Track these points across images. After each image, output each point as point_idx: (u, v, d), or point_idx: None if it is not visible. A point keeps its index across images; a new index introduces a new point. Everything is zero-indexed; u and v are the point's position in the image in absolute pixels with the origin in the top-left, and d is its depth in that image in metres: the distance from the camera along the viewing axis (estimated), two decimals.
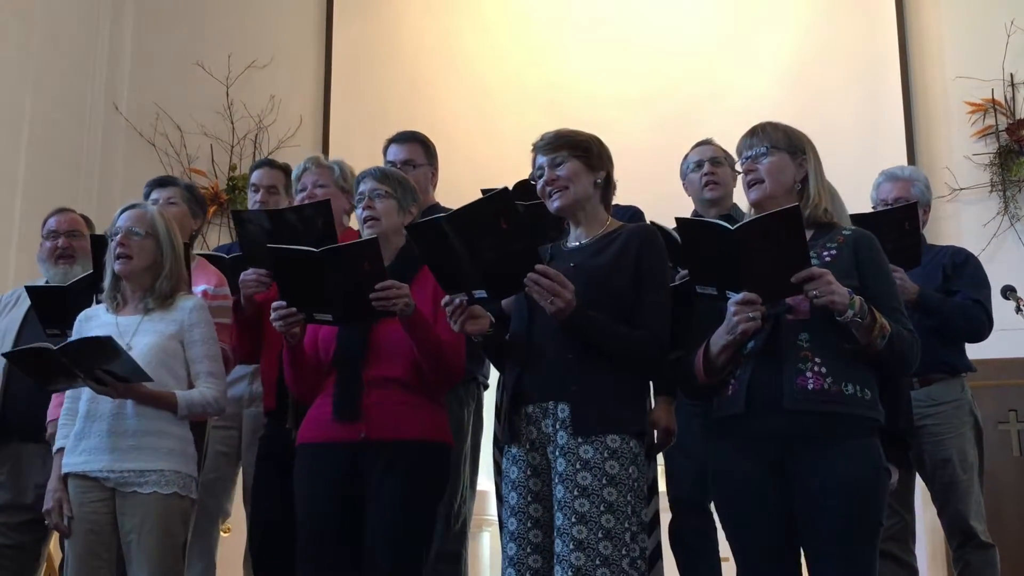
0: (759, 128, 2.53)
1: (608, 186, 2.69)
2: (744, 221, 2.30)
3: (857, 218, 3.00)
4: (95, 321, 2.98)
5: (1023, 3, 5.58)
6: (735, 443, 2.40)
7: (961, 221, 5.46)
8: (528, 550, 2.49)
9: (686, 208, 3.57)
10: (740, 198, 3.41)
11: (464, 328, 2.49)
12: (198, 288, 3.30)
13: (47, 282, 3.55)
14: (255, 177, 3.78)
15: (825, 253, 2.41)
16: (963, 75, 5.55)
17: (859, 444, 2.31)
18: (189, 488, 2.92)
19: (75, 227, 3.59)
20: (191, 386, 2.97)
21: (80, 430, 2.90)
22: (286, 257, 2.62)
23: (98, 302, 3.10)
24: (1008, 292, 3.61)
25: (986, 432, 3.59)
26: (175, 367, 2.96)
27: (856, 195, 3.29)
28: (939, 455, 3.42)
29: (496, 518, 3.38)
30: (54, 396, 3.19)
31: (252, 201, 3.74)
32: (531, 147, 2.68)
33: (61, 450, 2.95)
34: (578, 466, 2.42)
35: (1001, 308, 3.53)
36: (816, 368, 2.31)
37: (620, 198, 2.96)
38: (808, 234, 2.43)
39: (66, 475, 2.91)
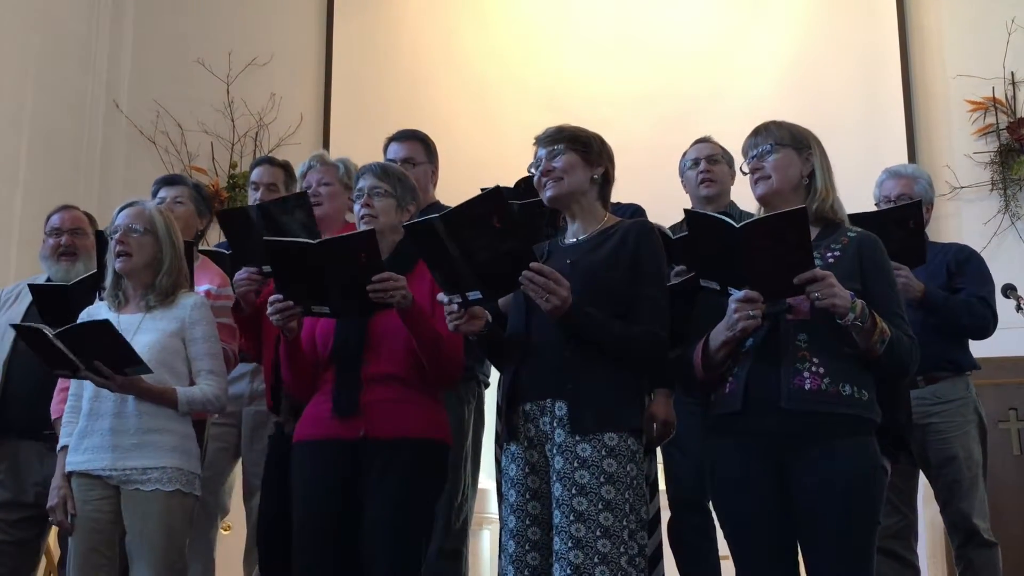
0: (764, 127, 2.54)
1: (607, 183, 2.68)
2: (750, 219, 2.30)
3: (862, 217, 3.01)
4: (97, 318, 2.98)
5: (1023, 1, 5.58)
6: (733, 441, 2.40)
7: (962, 219, 5.46)
8: (527, 547, 2.49)
9: (686, 206, 3.57)
10: (738, 196, 3.43)
11: (460, 329, 2.49)
12: (201, 287, 3.31)
13: (49, 279, 3.55)
14: (255, 175, 3.78)
15: (829, 254, 2.42)
16: (964, 73, 5.56)
17: (856, 443, 2.31)
18: (192, 485, 2.92)
19: (78, 224, 3.60)
20: (192, 384, 2.97)
21: (83, 428, 2.91)
22: (283, 249, 2.62)
23: (100, 299, 3.11)
24: (1008, 291, 3.62)
25: (988, 430, 3.60)
26: (176, 365, 2.96)
27: (857, 193, 3.29)
28: (944, 453, 3.43)
29: (497, 516, 3.39)
30: (56, 393, 3.20)
31: (253, 199, 3.74)
32: (533, 141, 2.69)
33: (65, 448, 2.96)
34: (576, 464, 2.42)
35: (1001, 307, 3.53)
36: (814, 368, 2.32)
37: (620, 196, 2.96)
38: (814, 231, 2.43)
39: (69, 473, 2.92)
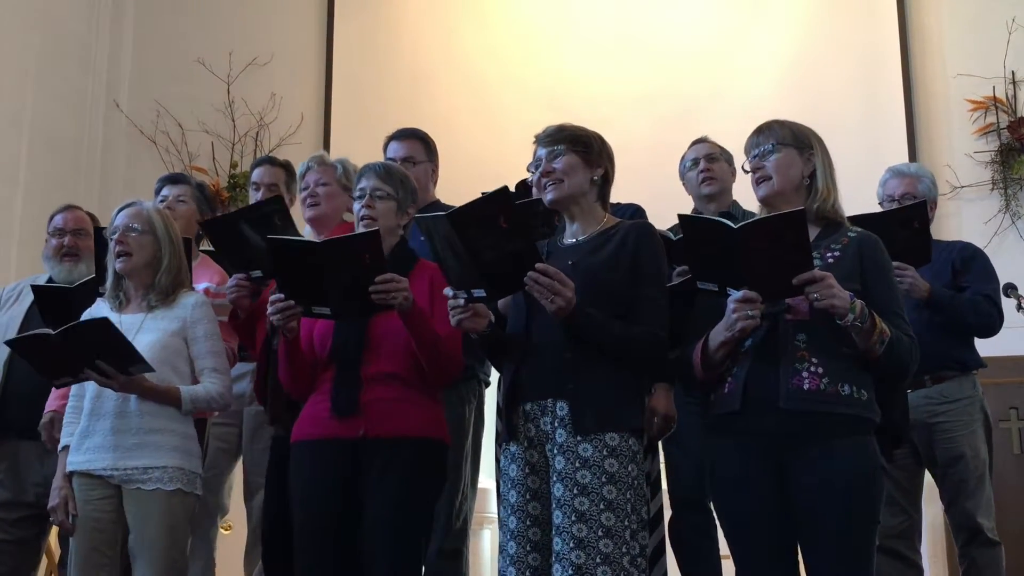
0: (765, 126, 2.54)
1: (606, 184, 2.68)
2: (748, 221, 2.30)
3: (868, 218, 3.01)
4: None
5: (1023, 1, 5.58)
6: (732, 441, 2.40)
7: (962, 219, 5.47)
8: (527, 548, 2.49)
9: (686, 206, 3.58)
10: (740, 195, 3.43)
11: (463, 326, 2.49)
12: (200, 285, 3.32)
13: (50, 279, 3.55)
14: (256, 175, 3.78)
15: (829, 254, 2.41)
16: (964, 72, 5.56)
17: (855, 442, 2.31)
18: (193, 484, 2.93)
19: (81, 225, 3.60)
20: (195, 383, 2.97)
21: (85, 428, 2.91)
22: (285, 248, 2.61)
23: (100, 295, 3.11)
24: (1009, 290, 3.62)
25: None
26: (179, 364, 2.97)
27: (857, 193, 3.29)
28: (951, 452, 3.43)
29: (497, 516, 3.39)
30: (54, 389, 3.20)
31: (254, 199, 3.74)
32: (533, 139, 2.69)
33: (66, 448, 2.96)
34: (577, 464, 2.42)
35: (1002, 306, 3.53)
36: (813, 368, 2.31)
37: (620, 196, 2.96)
38: (815, 231, 2.44)
39: (71, 473, 2.92)
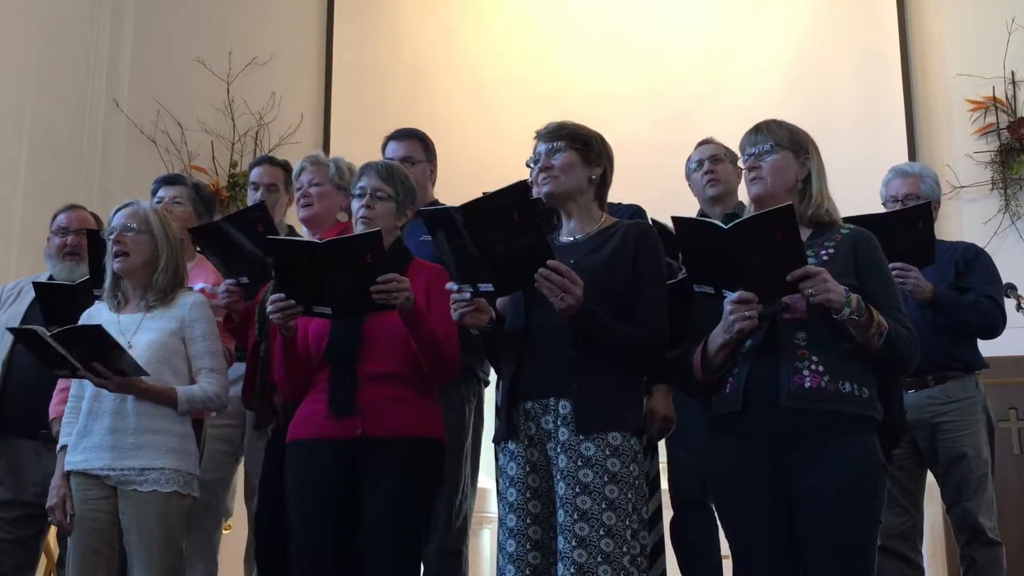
0: (763, 125, 2.53)
1: (604, 184, 2.68)
2: (738, 220, 2.30)
3: (871, 218, 3.01)
4: (97, 320, 2.99)
5: (1023, 1, 5.58)
6: (734, 441, 2.40)
7: (962, 219, 5.47)
8: (527, 546, 2.49)
9: (686, 206, 3.56)
10: (746, 196, 3.42)
11: (465, 321, 2.49)
12: (196, 286, 3.32)
13: (51, 278, 3.55)
14: (254, 175, 3.79)
15: (823, 252, 2.41)
16: (964, 73, 5.56)
17: (857, 441, 2.31)
18: (190, 486, 2.92)
19: (84, 225, 3.61)
20: (193, 383, 2.97)
21: (82, 428, 2.92)
22: (287, 248, 2.61)
23: (96, 297, 3.11)
24: (1009, 290, 3.62)
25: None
26: (176, 364, 2.97)
27: (857, 192, 3.30)
28: (954, 451, 3.43)
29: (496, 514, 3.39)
30: (56, 393, 3.21)
31: (252, 199, 3.75)
32: (534, 134, 2.68)
33: (64, 447, 2.96)
34: (579, 463, 2.42)
35: None
36: (813, 367, 2.31)
37: (620, 196, 2.96)
38: (807, 233, 2.44)
39: (68, 472, 2.92)
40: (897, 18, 5.78)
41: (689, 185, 3.61)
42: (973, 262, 3.54)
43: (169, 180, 3.71)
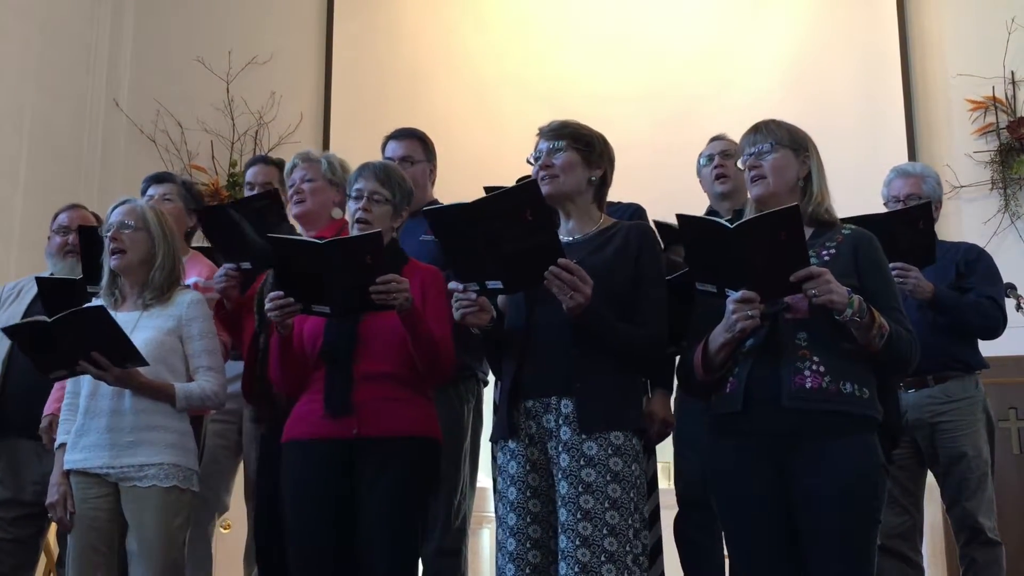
0: (763, 125, 2.53)
1: (604, 185, 2.68)
2: (743, 219, 2.30)
3: (872, 218, 3.01)
4: None
5: (1023, 1, 5.58)
6: (734, 441, 2.40)
7: (962, 219, 5.47)
8: (528, 545, 2.49)
9: (685, 205, 3.53)
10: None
11: (467, 320, 2.48)
12: (189, 280, 3.32)
13: (51, 275, 3.56)
14: (250, 175, 3.80)
15: (824, 252, 2.42)
16: (964, 72, 5.56)
17: (857, 441, 2.31)
18: (190, 481, 2.93)
19: (85, 224, 3.60)
20: (190, 381, 2.97)
21: (80, 426, 2.92)
22: (287, 246, 2.61)
23: (92, 295, 3.11)
24: (1008, 290, 3.62)
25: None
26: (173, 362, 2.97)
27: (857, 192, 3.30)
28: (954, 451, 3.43)
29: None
30: (53, 391, 3.21)
31: None
32: (536, 131, 2.68)
33: (63, 446, 2.96)
34: (582, 462, 2.42)
35: None
36: (814, 367, 2.32)
37: (620, 196, 2.95)
38: (808, 232, 2.44)
39: (68, 471, 2.92)
40: (897, 18, 5.78)
41: (699, 181, 3.58)
42: (974, 263, 3.54)
43: (158, 178, 3.71)
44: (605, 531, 2.38)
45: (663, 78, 5.91)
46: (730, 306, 2.30)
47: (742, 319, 2.28)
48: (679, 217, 2.36)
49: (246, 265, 3.12)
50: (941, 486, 3.53)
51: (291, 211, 3.32)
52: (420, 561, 3.14)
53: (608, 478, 2.41)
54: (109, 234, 2.99)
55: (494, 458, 2.65)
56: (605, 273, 2.52)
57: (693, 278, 2.39)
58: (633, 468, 2.45)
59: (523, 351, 2.55)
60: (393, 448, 2.64)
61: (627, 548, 2.39)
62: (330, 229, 3.15)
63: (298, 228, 3.39)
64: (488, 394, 3.51)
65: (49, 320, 2.81)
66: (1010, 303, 3.56)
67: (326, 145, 6.11)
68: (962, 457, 3.42)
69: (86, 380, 2.92)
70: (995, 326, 3.46)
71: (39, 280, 3.41)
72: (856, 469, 2.29)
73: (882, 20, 5.80)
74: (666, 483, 4.30)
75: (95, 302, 3.08)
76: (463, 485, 3.40)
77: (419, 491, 2.70)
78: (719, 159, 3.44)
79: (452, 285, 2.48)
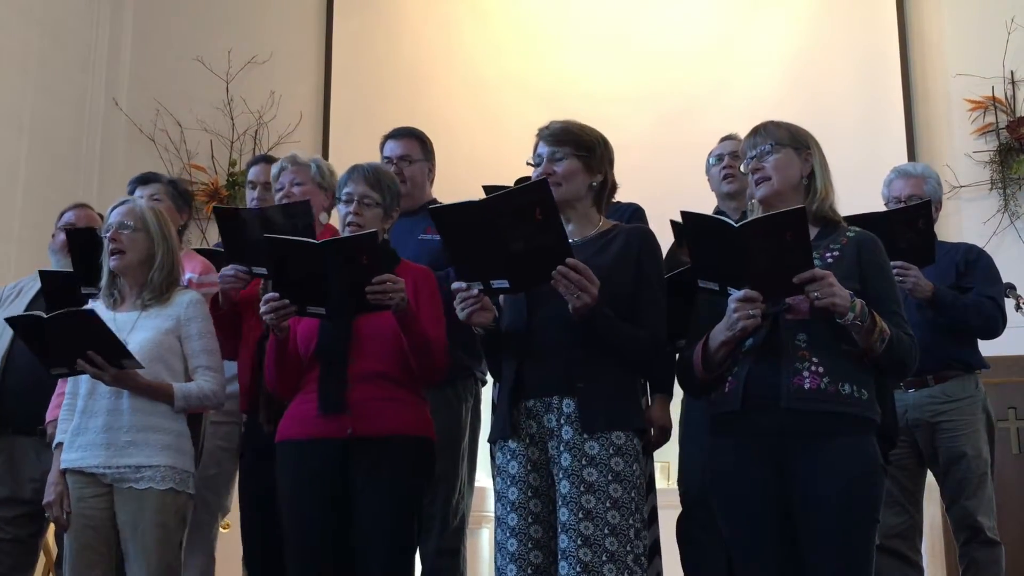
0: (762, 127, 2.54)
1: (604, 189, 2.67)
2: (749, 219, 2.30)
3: (872, 217, 3.01)
4: None
5: (1023, 1, 5.58)
6: (733, 441, 2.40)
7: (961, 218, 5.47)
8: (529, 545, 2.49)
9: (685, 205, 3.53)
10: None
11: (471, 319, 2.48)
12: (184, 277, 3.31)
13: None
14: (252, 174, 3.78)
15: (828, 254, 2.42)
16: (963, 72, 5.56)
17: (856, 442, 2.31)
18: (186, 483, 2.92)
19: (91, 223, 3.61)
20: (189, 381, 2.97)
21: (77, 426, 2.91)
22: (284, 247, 2.61)
23: (88, 296, 3.11)
24: (1008, 290, 3.62)
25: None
26: (172, 362, 2.97)
27: (857, 192, 3.28)
28: (953, 451, 3.43)
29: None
30: (54, 397, 3.20)
31: (250, 198, 3.74)
32: (536, 131, 2.67)
33: (61, 445, 2.96)
34: (584, 462, 2.43)
35: None
36: (813, 368, 2.32)
37: (620, 195, 2.95)
38: (813, 231, 2.44)
39: (65, 470, 2.91)
40: (897, 18, 5.78)
41: (707, 180, 3.57)
42: (974, 263, 3.54)
43: (144, 179, 3.70)
44: (606, 531, 2.38)
45: (663, 78, 5.91)
46: (732, 305, 2.30)
47: (743, 318, 2.28)
48: (683, 214, 2.36)
49: (260, 270, 3.04)
50: (941, 486, 3.53)
51: None
52: (419, 560, 3.15)
53: (609, 478, 2.41)
54: (108, 235, 2.99)
55: (493, 458, 2.65)
56: (606, 275, 2.51)
57: (696, 275, 2.39)
58: (634, 468, 2.45)
59: (524, 351, 2.55)
60: (387, 448, 2.65)
61: (628, 548, 2.39)
62: (321, 234, 3.14)
63: None
64: (487, 394, 3.51)
65: (45, 316, 2.80)
66: (1010, 303, 3.56)
67: (325, 144, 6.11)
68: (962, 457, 3.42)
69: (84, 380, 2.92)
70: (995, 326, 3.46)
71: (42, 274, 3.41)
72: (855, 469, 2.29)
73: (882, 20, 5.81)
74: (665, 483, 4.31)
75: (91, 304, 3.08)
76: (461, 484, 3.40)
77: (414, 490, 2.70)
78: (728, 159, 3.42)
79: (455, 284, 2.48)
